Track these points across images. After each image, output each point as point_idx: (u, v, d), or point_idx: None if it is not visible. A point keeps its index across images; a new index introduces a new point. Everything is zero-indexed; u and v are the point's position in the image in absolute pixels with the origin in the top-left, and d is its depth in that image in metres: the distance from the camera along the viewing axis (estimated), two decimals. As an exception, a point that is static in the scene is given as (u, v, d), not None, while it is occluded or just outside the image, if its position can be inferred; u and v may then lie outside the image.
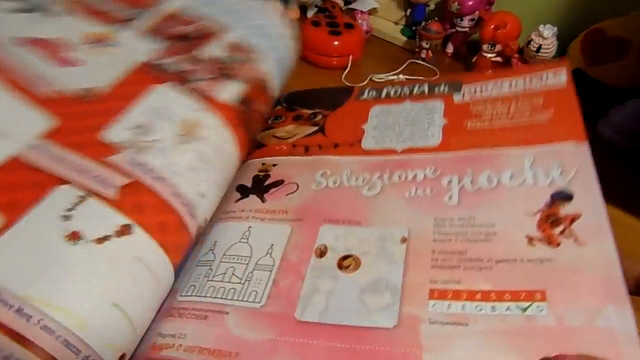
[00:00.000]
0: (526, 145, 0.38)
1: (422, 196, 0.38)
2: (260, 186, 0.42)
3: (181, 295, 0.36)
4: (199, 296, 0.35)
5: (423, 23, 0.63)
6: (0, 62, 0.34)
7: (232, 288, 0.35)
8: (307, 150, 0.44)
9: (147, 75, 0.38)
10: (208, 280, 0.36)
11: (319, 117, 0.48)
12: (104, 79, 0.36)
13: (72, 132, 0.33)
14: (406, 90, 0.48)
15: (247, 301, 0.34)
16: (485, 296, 0.31)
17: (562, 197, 0.34)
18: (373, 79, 0.61)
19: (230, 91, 0.41)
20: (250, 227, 0.39)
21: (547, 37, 0.53)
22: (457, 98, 0.44)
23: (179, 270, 0.36)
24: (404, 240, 0.35)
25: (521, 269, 0.31)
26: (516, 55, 0.57)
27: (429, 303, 0.31)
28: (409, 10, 0.68)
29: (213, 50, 0.42)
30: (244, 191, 0.42)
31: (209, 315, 0.34)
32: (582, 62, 0.54)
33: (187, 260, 0.38)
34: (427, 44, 0.62)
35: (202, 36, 0.42)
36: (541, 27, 0.54)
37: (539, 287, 0.30)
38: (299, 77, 0.56)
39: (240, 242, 0.38)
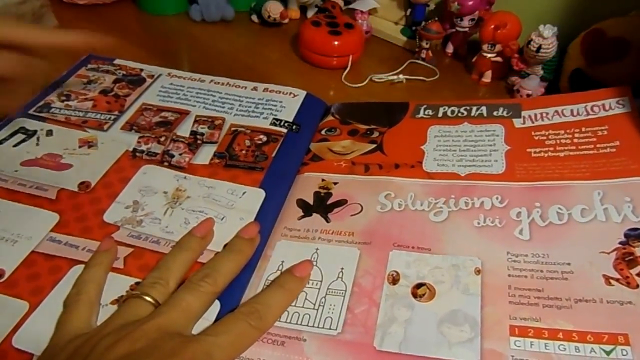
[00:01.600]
0: (595, 179, 0.39)
1: (492, 226, 0.38)
2: (323, 204, 0.42)
3: (254, 318, 0.36)
4: (273, 319, 0.35)
5: (423, 23, 0.63)
6: (13, 184, 0.42)
7: (307, 313, 0.35)
8: (367, 170, 0.44)
9: (132, 161, 0.45)
10: (280, 304, 0.36)
11: (376, 133, 0.48)
12: (94, 173, 0.44)
13: (77, 221, 0.40)
14: (464, 111, 0.48)
15: (323, 328, 0.34)
16: (567, 336, 0.31)
17: (636, 235, 0.35)
18: (373, 79, 0.61)
19: (206, 154, 0.46)
20: (317, 248, 0.39)
21: (547, 37, 0.53)
22: (517, 123, 0.45)
23: (227, 289, 0.36)
24: (478, 271, 0.36)
25: (601, 310, 0.32)
26: (516, 55, 0.58)
27: (511, 340, 0.32)
28: (409, 10, 0.68)
29: (186, 127, 0.49)
30: (306, 209, 0.42)
31: (286, 342, 0.34)
32: (582, 62, 0.53)
33: (247, 277, 0.38)
34: (427, 44, 0.63)
35: (174, 119, 0.50)
36: (541, 27, 0.54)
37: (621, 330, 0.31)
38: (299, 77, 0.56)
39: (309, 264, 0.38)
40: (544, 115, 0.45)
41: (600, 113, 0.43)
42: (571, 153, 0.41)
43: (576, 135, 0.42)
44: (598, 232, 0.36)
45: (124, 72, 0.56)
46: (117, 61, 0.57)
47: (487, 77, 0.60)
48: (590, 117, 0.43)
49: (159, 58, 0.61)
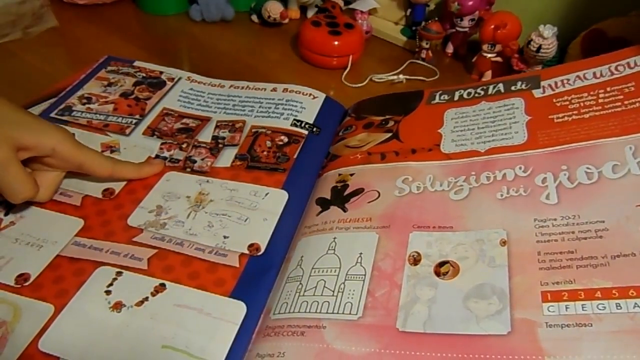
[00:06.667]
0: (625, 135, 0.36)
1: (516, 196, 0.36)
2: (340, 196, 0.41)
3: (274, 314, 0.35)
4: (293, 312, 0.34)
5: (423, 23, 0.62)
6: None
7: (326, 301, 0.34)
8: (383, 158, 0.43)
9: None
10: (300, 296, 0.35)
11: (391, 123, 0.47)
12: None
13: (101, 225, 0.40)
14: (480, 91, 0.46)
15: (342, 313, 0.33)
16: (607, 294, 0.28)
17: (676, 185, 0.32)
18: (373, 79, 0.61)
19: (228, 156, 0.47)
20: (335, 237, 0.38)
21: (547, 37, 0.52)
22: (537, 94, 0.43)
23: (253, 290, 0.36)
24: (503, 242, 0.33)
25: (643, 263, 0.29)
26: (516, 55, 0.56)
27: (544, 306, 0.29)
28: (409, 10, 0.68)
29: (207, 133, 0.49)
30: (324, 204, 0.41)
31: (305, 331, 0.32)
32: (582, 62, 0.54)
33: (272, 278, 0.38)
34: (427, 44, 0.62)
35: (196, 126, 0.50)
36: (541, 27, 0.53)
37: (667, 281, 0.28)
38: (299, 77, 0.56)
39: (327, 254, 0.37)
40: (565, 82, 0.42)
41: (626, 71, 0.40)
42: (597, 113, 0.39)
43: (601, 95, 0.40)
44: (633, 186, 0.33)
45: (144, 75, 0.55)
46: (136, 63, 0.57)
47: (487, 77, 0.59)
48: (614, 76, 0.40)
49: (159, 58, 0.60)
